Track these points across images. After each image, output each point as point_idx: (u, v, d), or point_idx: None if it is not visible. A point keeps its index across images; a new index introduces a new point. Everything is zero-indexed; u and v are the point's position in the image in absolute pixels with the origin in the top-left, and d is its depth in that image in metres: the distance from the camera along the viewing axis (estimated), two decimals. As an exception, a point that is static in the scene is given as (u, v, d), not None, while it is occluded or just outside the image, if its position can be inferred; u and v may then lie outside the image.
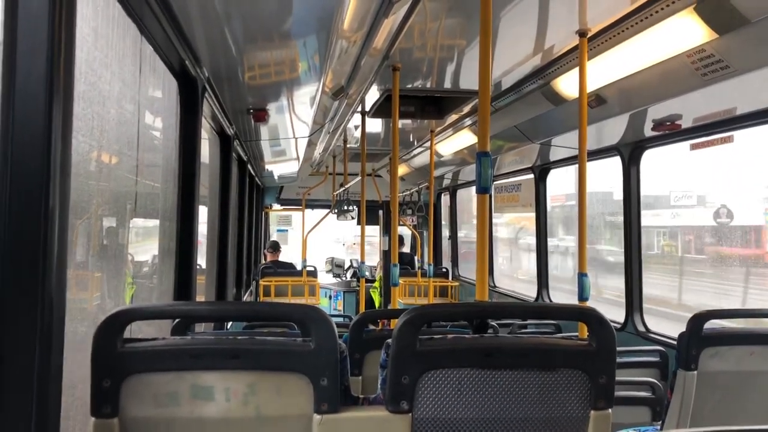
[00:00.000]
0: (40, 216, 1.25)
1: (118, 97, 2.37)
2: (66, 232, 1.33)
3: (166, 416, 1.45)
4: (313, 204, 10.74)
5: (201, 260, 4.91)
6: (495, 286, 8.13)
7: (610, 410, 1.57)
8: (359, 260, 5.81)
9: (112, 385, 1.42)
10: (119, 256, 2.68)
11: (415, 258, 10.52)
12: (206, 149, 4.80)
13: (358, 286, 5.66)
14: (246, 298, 7.90)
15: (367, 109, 5.14)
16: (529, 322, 5.10)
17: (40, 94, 1.24)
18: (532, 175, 6.60)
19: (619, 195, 4.93)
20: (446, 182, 9.79)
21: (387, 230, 6.68)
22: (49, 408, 1.26)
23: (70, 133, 1.34)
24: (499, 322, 4.73)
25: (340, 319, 7.15)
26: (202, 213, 4.87)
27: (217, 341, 1.50)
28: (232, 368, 1.47)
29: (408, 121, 6.01)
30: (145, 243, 3.28)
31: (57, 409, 1.30)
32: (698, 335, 2.36)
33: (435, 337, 1.57)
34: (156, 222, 3.19)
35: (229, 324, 5.00)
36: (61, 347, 1.32)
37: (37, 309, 1.23)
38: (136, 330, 2.57)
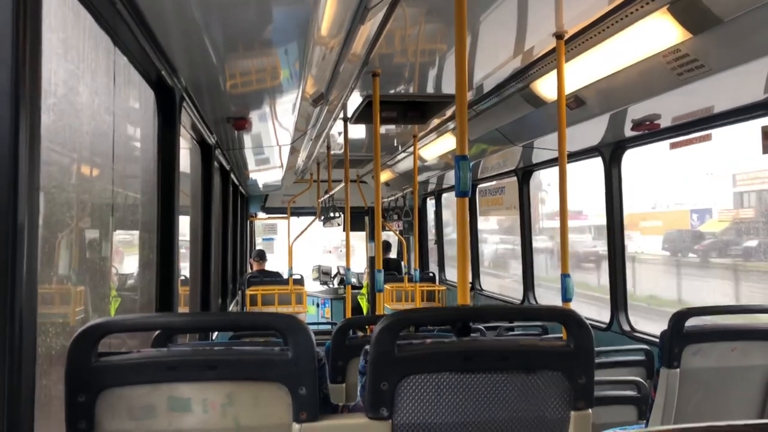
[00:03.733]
0: (9, 231, 1.23)
1: (93, 109, 2.34)
2: (36, 246, 1.31)
3: (143, 429, 1.44)
4: (298, 212, 10.71)
5: (185, 271, 4.88)
6: (481, 290, 8.14)
7: (590, 410, 1.57)
8: (345, 267, 5.80)
9: (87, 400, 1.40)
10: (102, 269, 2.65)
11: (402, 263, 10.52)
12: (187, 159, 4.77)
13: (345, 293, 5.64)
14: (232, 307, 7.84)
15: (349, 115, 5.14)
16: (515, 324, 5.11)
17: (5, 107, 1.22)
18: (515, 178, 6.63)
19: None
20: (431, 187, 9.80)
21: (372, 236, 6.67)
22: (21, 426, 1.24)
23: (38, 146, 1.32)
24: (486, 325, 4.73)
25: (327, 327, 7.12)
26: (185, 223, 4.84)
27: (193, 352, 1.48)
28: (209, 379, 1.45)
29: (391, 127, 6.01)
30: (128, 255, 3.24)
31: (30, 426, 1.28)
32: (680, 333, 2.38)
33: (414, 342, 1.56)
34: (137, 233, 3.16)
35: (215, 335, 4.97)
36: (33, 363, 1.30)
37: (6, 325, 1.21)
38: (119, 344, 2.55)
